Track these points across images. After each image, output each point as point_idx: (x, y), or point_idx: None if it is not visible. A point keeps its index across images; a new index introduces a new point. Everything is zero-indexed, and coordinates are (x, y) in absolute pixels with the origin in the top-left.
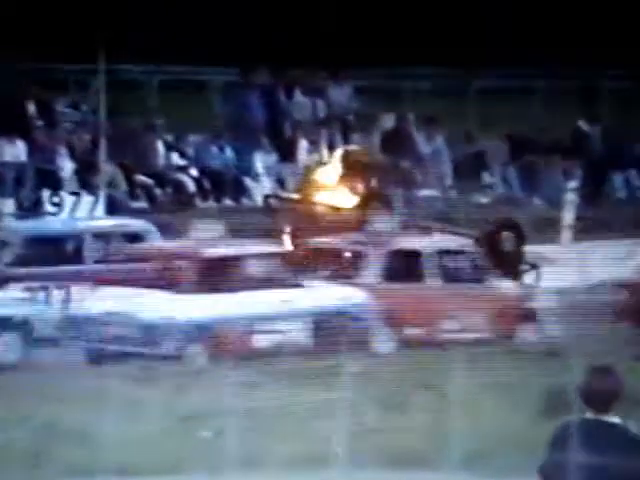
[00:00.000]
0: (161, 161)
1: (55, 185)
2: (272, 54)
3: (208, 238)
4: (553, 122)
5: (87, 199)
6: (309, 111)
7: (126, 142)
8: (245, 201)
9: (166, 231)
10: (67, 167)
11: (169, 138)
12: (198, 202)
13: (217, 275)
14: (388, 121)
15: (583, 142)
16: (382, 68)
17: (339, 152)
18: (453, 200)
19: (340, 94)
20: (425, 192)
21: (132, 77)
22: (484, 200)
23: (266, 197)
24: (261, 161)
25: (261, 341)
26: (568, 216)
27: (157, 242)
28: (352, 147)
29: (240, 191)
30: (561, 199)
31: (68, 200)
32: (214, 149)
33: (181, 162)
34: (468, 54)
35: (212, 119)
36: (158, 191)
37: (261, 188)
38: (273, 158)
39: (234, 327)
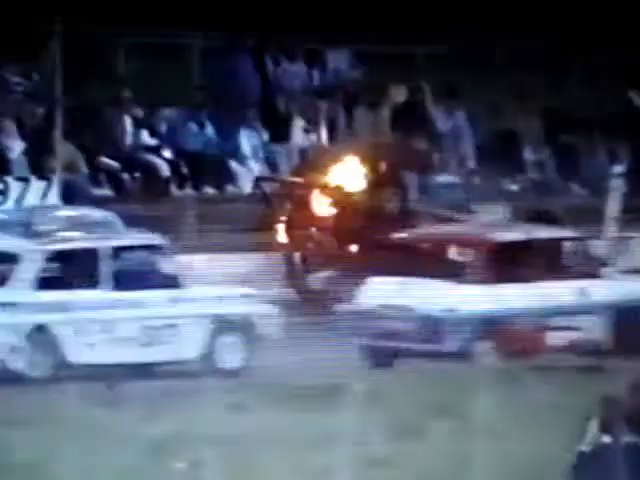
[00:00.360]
0: (129, 140)
1: (0, 168)
2: (260, 14)
3: (494, 221)
4: (596, 94)
5: (38, 185)
6: (305, 82)
7: (87, 118)
8: (230, 188)
9: (134, 223)
10: (15, 147)
11: (139, 113)
12: (173, 189)
13: (507, 263)
14: (399, 93)
15: (633, 118)
16: (391, 30)
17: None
18: (477, 187)
19: (341, 62)
20: (443, 177)
21: (95, 41)
22: (513, 187)
23: (257, 180)
24: (249, 141)
25: (556, 338)
26: (613, 206)
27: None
28: (357, 124)
29: (224, 176)
30: (605, 186)
31: (15, 186)
32: (192, 126)
33: (153, 142)
34: (492, 13)
35: (190, 91)
36: (125, 176)
37: (249, 173)
38: (263, 137)
39: (526, 322)
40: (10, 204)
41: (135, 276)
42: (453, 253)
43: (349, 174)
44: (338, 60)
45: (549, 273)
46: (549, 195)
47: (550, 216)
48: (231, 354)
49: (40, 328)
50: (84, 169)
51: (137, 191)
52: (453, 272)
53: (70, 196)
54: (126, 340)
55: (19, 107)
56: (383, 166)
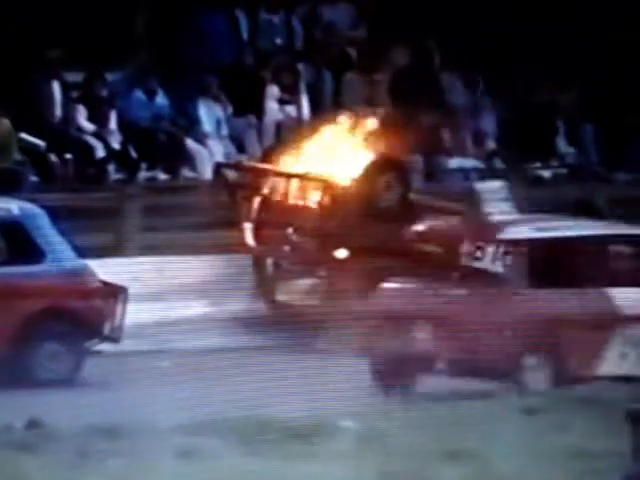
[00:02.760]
0: (58, 113)
1: None
2: None
3: None
4: None
5: None
6: (281, 38)
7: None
8: (186, 173)
9: (65, 217)
10: None
11: (71, 78)
12: (115, 174)
13: None
14: (400, 56)
15: None
16: None
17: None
18: (499, 173)
19: (328, 13)
20: (457, 160)
21: None
22: (545, 174)
23: (218, 166)
24: (209, 114)
25: None
26: None
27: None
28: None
29: (178, 159)
30: None
31: None
32: (139, 95)
33: (88, 114)
34: None
35: (136, 50)
36: (53, 157)
37: (210, 154)
38: (228, 109)
39: None
40: None
41: None
42: None
43: (334, 157)
44: (335, 15)
45: None
46: (589, 184)
47: (591, 208)
48: None
49: None
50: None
51: (68, 177)
52: None
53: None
54: None
55: None
56: (379, 146)
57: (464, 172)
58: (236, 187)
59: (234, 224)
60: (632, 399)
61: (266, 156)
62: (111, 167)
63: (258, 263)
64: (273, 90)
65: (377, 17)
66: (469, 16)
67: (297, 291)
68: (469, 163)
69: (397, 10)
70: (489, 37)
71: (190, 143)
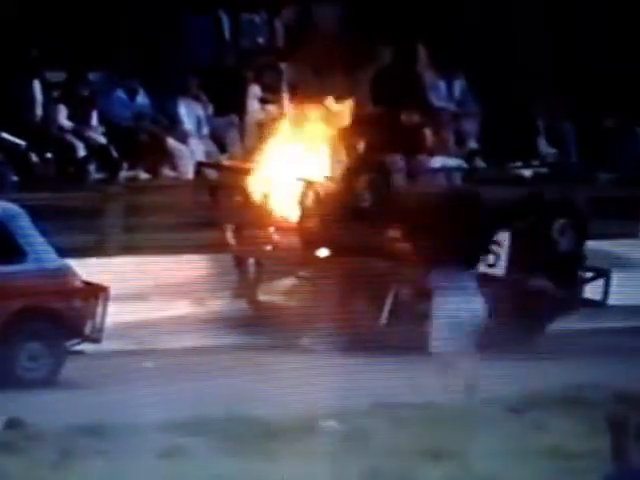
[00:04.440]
0: (39, 113)
1: None
2: None
3: None
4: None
5: None
6: (264, 38)
7: None
8: (167, 173)
9: (46, 217)
10: None
11: (52, 78)
12: (93, 173)
13: None
14: (384, 55)
15: None
16: None
17: (310, 100)
18: (480, 172)
19: (314, 13)
20: (439, 160)
21: None
22: (526, 173)
23: (199, 166)
24: (189, 114)
25: None
26: None
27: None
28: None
29: (159, 158)
30: None
31: None
32: (120, 95)
33: (70, 114)
34: None
35: (117, 50)
36: (33, 157)
37: (191, 154)
38: (208, 108)
39: None
40: None
41: None
42: None
43: (315, 157)
44: (320, 14)
45: None
46: (569, 183)
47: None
48: None
49: None
50: None
51: (49, 176)
52: None
53: None
54: None
55: None
56: (360, 146)
57: (447, 171)
58: (218, 187)
59: (216, 224)
60: (614, 400)
61: (246, 156)
62: (92, 166)
63: (240, 263)
64: (255, 89)
65: (362, 16)
66: (451, 16)
67: (279, 291)
68: (452, 162)
69: (382, 9)
70: (472, 37)
71: (171, 142)
